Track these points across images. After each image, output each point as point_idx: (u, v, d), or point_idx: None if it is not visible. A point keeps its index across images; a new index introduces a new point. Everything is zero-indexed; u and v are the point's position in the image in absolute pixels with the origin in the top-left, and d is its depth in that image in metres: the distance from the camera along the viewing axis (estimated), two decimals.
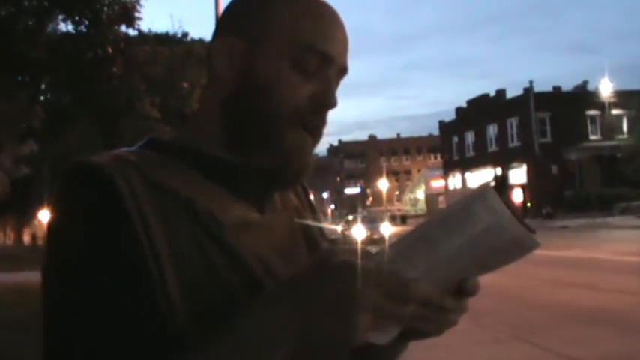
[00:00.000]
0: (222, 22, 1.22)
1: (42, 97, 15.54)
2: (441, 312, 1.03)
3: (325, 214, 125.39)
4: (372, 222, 47.63)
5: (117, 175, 1.02)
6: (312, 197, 1.45)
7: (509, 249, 1.00)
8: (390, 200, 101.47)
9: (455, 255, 0.98)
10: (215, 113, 1.17)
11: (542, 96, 55.64)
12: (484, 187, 1.00)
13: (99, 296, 0.97)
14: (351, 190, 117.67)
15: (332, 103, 1.15)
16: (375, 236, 40.45)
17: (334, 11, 1.19)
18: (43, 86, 15.10)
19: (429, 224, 1.02)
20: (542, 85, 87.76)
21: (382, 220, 47.24)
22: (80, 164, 1.05)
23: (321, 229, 1.38)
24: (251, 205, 1.17)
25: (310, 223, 1.34)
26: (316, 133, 1.18)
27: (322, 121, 1.17)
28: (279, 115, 1.12)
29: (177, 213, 1.05)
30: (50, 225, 1.06)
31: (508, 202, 0.98)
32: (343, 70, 1.20)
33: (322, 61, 1.14)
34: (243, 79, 1.14)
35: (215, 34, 1.21)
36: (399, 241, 1.02)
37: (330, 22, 1.17)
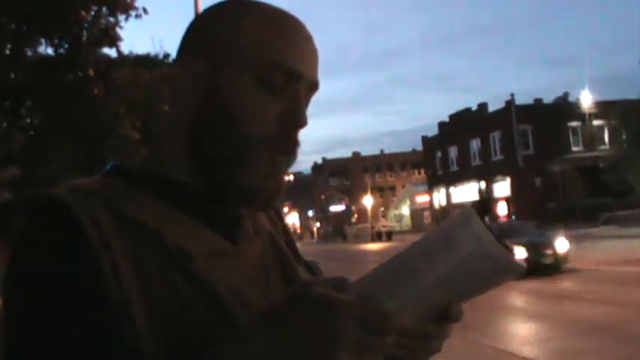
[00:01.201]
0: (184, 44, 1.17)
1: (22, 122, 15.46)
2: (424, 340, 1.02)
3: (312, 232, 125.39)
4: None
5: (78, 207, 0.99)
6: (286, 221, 1.39)
7: (494, 274, 0.98)
8: (375, 216, 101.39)
9: (438, 283, 0.95)
10: (180, 138, 1.13)
11: (523, 109, 55.88)
12: (466, 212, 0.97)
13: (61, 333, 0.93)
14: (336, 208, 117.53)
15: (301, 123, 1.11)
16: None
17: (301, 24, 1.14)
18: (22, 110, 15.02)
19: (410, 252, 0.98)
20: (524, 98, 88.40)
21: None
22: (39, 197, 1.03)
23: (296, 253, 1.32)
24: (222, 233, 1.12)
25: (284, 248, 1.28)
26: (288, 154, 1.13)
27: (293, 142, 1.12)
28: (248, 140, 1.08)
29: (145, 245, 1.01)
30: (9, 260, 1.00)
31: (490, 226, 0.95)
32: (313, 86, 1.15)
33: (290, 78, 1.10)
34: (209, 102, 1.10)
35: (178, 56, 1.17)
36: (378, 270, 0.98)
37: (297, 36, 1.12)
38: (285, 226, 1.36)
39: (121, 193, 1.07)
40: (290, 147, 1.12)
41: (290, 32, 1.12)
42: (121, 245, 0.99)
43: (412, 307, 0.97)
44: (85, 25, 13.73)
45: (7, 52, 13.85)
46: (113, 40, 13.77)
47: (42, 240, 0.98)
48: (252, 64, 1.08)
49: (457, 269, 0.95)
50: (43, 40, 14.07)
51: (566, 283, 16.80)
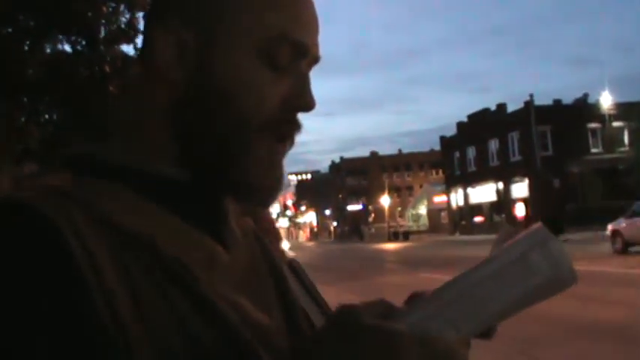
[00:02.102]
0: (161, 8, 0.97)
1: (40, 118, 15.52)
2: None
3: (329, 231, 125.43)
4: None
5: (56, 215, 0.79)
6: (269, 215, 1.25)
7: (552, 294, 0.90)
8: (392, 216, 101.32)
9: (504, 309, 0.87)
10: (160, 122, 0.94)
11: (542, 109, 55.57)
12: (542, 234, 0.88)
13: None
14: (353, 207, 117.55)
15: (309, 104, 0.96)
16: None
17: None
18: (40, 106, 15.08)
19: (480, 275, 0.87)
20: (543, 99, 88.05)
21: None
22: (6, 201, 0.81)
23: (282, 252, 1.18)
24: (213, 235, 0.95)
25: (269, 245, 1.12)
26: (289, 141, 0.98)
27: (296, 126, 0.97)
28: (245, 124, 0.92)
29: (140, 261, 0.83)
30: None
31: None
32: (316, 61, 1.00)
33: (296, 53, 0.94)
34: (198, 80, 0.92)
35: (151, 25, 0.97)
36: (442, 293, 0.87)
37: (302, 4, 0.96)
38: (270, 222, 1.22)
39: (101, 192, 0.88)
40: (292, 133, 0.97)
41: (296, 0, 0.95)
42: (112, 264, 0.80)
43: (472, 333, 0.88)
44: (103, 21, 13.76)
45: (26, 48, 13.90)
46: (130, 37, 13.79)
47: (9, 260, 0.76)
48: (253, 36, 0.92)
49: (528, 295, 0.87)
50: (60, 37, 14.13)
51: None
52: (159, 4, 0.99)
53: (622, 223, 26.59)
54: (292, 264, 1.19)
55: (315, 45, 0.98)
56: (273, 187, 0.97)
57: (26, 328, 0.73)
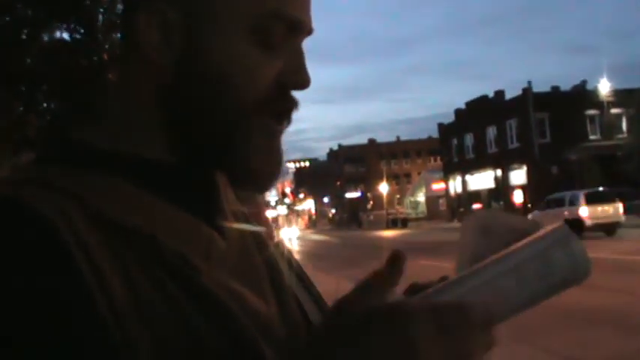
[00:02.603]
0: None
1: (38, 107, 15.52)
2: None
3: (328, 218, 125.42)
4: None
5: (48, 209, 0.75)
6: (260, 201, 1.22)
7: (567, 288, 0.91)
8: (390, 203, 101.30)
9: (521, 304, 0.89)
10: (148, 106, 0.90)
11: (540, 96, 55.55)
12: (565, 232, 0.89)
13: None
14: (352, 194, 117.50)
15: (305, 81, 0.92)
16: None
17: None
18: (38, 95, 15.07)
19: (499, 269, 0.87)
20: (541, 86, 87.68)
21: None
22: (2, 199, 0.76)
23: (269, 231, 1.14)
24: (208, 222, 0.93)
25: (258, 228, 1.09)
26: (287, 120, 0.94)
27: (292, 105, 0.93)
28: (240, 106, 0.88)
29: (140, 258, 0.81)
30: None
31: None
32: (309, 33, 0.95)
33: (291, 30, 0.90)
34: (186, 62, 0.88)
35: (132, 6, 0.91)
36: (459, 285, 0.87)
37: None
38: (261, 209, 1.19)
39: (95, 186, 0.83)
40: (289, 111, 0.93)
41: None
42: (112, 262, 0.77)
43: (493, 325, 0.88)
44: (101, 9, 13.72)
45: (24, 37, 13.87)
46: None
47: (6, 261, 0.72)
48: (245, 13, 0.87)
49: (546, 291, 0.88)
50: (59, 25, 14.09)
51: None
52: None
53: (537, 215, 30.91)
54: (279, 245, 1.17)
55: (310, 19, 0.94)
56: (272, 172, 0.94)
57: (25, 327, 0.69)
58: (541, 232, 0.91)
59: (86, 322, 0.72)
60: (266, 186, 0.96)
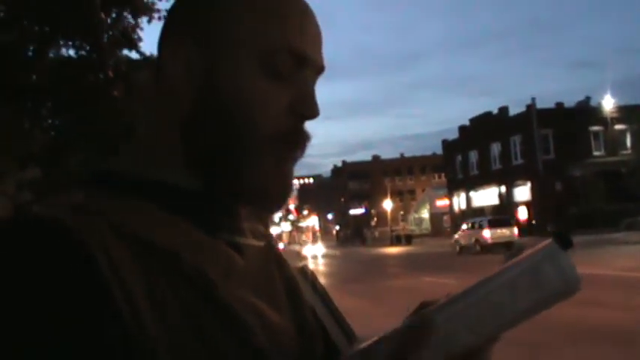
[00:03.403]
0: (172, 26, 1.01)
1: (44, 123, 15.56)
2: None
3: (332, 235, 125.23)
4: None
5: (84, 229, 0.81)
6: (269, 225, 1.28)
7: (559, 301, 0.95)
8: (394, 220, 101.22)
9: (515, 318, 0.93)
10: (172, 136, 0.98)
11: (544, 113, 55.54)
12: (552, 247, 0.93)
13: None
14: (356, 211, 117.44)
15: (313, 112, 0.99)
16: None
17: (305, 3, 1.02)
18: (44, 111, 15.11)
19: (493, 284, 0.93)
20: (545, 102, 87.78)
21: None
22: (35, 219, 0.82)
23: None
24: (228, 242, 0.99)
25: (279, 250, 1.17)
26: (298, 150, 1.00)
27: (303, 135, 1.00)
28: (254, 133, 0.95)
29: (162, 273, 0.86)
30: None
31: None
32: (320, 70, 1.03)
33: (297, 64, 0.97)
34: (205, 94, 0.96)
35: (163, 42, 1.01)
36: (457, 302, 0.93)
37: (302, 16, 0.99)
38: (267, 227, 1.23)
39: (125, 208, 0.91)
40: (300, 141, 1.00)
41: (295, 11, 0.99)
42: (137, 277, 0.83)
43: (491, 338, 0.95)
44: (106, 27, 13.79)
45: (30, 53, 13.95)
46: (133, 42, 13.82)
47: (40, 276, 0.77)
48: (254, 48, 0.95)
49: (536, 305, 0.93)
50: (64, 42, 14.16)
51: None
52: (169, 24, 1.02)
53: (459, 234, 44.15)
54: (304, 270, 1.24)
55: (318, 55, 1.02)
56: (280, 196, 1.00)
57: (54, 339, 0.74)
58: (532, 249, 0.96)
59: (113, 333, 0.77)
60: (273, 208, 1.03)
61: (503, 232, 40.50)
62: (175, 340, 0.82)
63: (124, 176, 0.97)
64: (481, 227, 41.35)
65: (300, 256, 53.05)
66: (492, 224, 41.09)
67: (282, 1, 0.98)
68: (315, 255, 59.36)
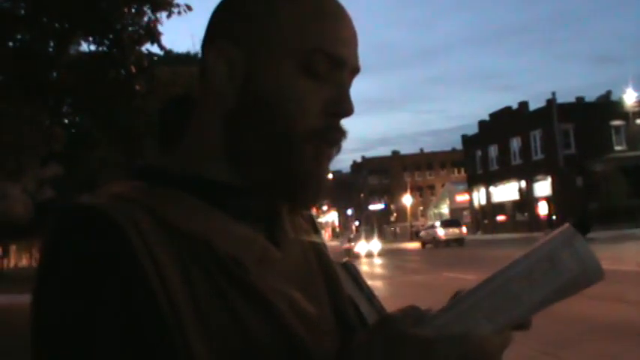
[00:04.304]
0: (214, 28, 1.07)
1: (64, 120, 15.64)
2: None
3: (351, 230, 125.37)
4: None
5: (124, 219, 0.90)
6: (316, 219, 1.32)
7: (579, 289, 0.96)
8: (414, 215, 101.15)
9: (534, 306, 0.93)
10: (215, 133, 1.04)
11: (565, 107, 55.32)
12: (569, 232, 0.94)
13: None
14: (375, 206, 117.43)
15: (348, 110, 1.03)
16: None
17: (341, 6, 1.06)
18: (65, 108, 15.20)
19: (511, 274, 0.94)
20: (566, 97, 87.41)
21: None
22: (79, 208, 0.93)
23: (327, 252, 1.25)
24: (266, 235, 1.05)
25: (322, 247, 1.22)
26: (334, 146, 1.05)
27: (339, 132, 1.04)
28: (291, 132, 1.00)
29: (194, 258, 0.94)
30: (45, 281, 0.89)
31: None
32: (356, 71, 1.08)
33: (333, 65, 1.02)
34: (247, 92, 1.01)
35: (206, 43, 1.07)
36: (476, 292, 0.94)
37: (338, 19, 1.04)
38: (315, 224, 1.29)
39: (163, 198, 0.98)
40: (336, 138, 1.04)
41: (331, 15, 1.04)
42: (171, 261, 0.91)
43: (505, 329, 0.93)
44: (126, 22, 13.81)
45: (50, 50, 14.00)
46: (154, 37, 13.82)
47: (82, 258, 0.88)
48: (293, 50, 1.00)
49: (556, 293, 0.92)
50: (85, 38, 14.20)
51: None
52: (211, 28, 1.08)
53: (423, 233, 60.74)
54: (346, 266, 1.29)
55: (354, 57, 1.06)
56: (317, 191, 1.05)
57: (95, 328, 0.85)
58: (548, 236, 0.95)
59: (147, 321, 0.87)
60: (312, 203, 1.08)
61: (453, 231, 53.89)
62: (208, 322, 0.90)
63: (163, 170, 1.04)
64: (435, 227, 56.87)
65: (350, 254, 45.39)
66: (444, 225, 55.73)
67: (320, 5, 1.03)
68: (371, 252, 49.64)
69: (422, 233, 60.54)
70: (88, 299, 0.86)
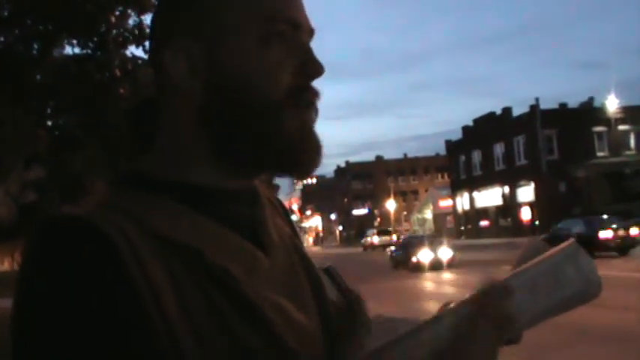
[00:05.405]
0: (163, 30, 1.05)
1: (48, 122, 15.55)
2: None
3: (335, 235, 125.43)
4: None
5: (112, 229, 0.88)
6: (289, 211, 1.31)
7: (580, 303, 0.97)
8: (397, 220, 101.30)
9: (534, 318, 0.94)
10: (191, 134, 1.02)
11: (548, 113, 55.51)
12: (573, 247, 0.94)
13: None
14: (359, 211, 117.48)
15: (319, 69, 1.02)
16: None
17: None
18: (48, 110, 15.10)
19: (515, 284, 0.93)
20: (549, 103, 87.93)
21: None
22: (66, 218, 0.90)
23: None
24: (252, 240, 1.03)
25: (304, 249, 1.21)
26: (312, 108, 1.04)
27: (313, 92, 1.03)
28: (268, 103, 0.98)
29: (186, 268, 0.92)
30: (27, 292, 0.87)
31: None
32: (311, 33, 1.06)
33: (291, 29, 1.01)
34: (213, 83, 1.00)
35: (156, 47, 1.05)
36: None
37: None
38: (285, 210, 1.28)
39: (150, 205, 0.97)
40: (311, 99, 1.03)
41: None
42: (161, 271, 0.89)
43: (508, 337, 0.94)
44: (111, 25, 13.75)
45: (34, 52, 13.92)
46: (139, 40, 13.77)
47: (71, 268, 0.85)
48: (250, 24, 0.99)
49: (557, 306, 0.93)
50: (69, 41, 14.14)
51: None
52: (158, 31, 1.06)
53: (364, 239, 77.46)
54: (330, 270, 1.26)
55: (306, 18, 1.05)
56: (310, 157, 1.03)
57: (83, 339, 0.83)
58: (553, 250, 0.95)
59: (138, 330, 0.85)
60: (310, 170, 1.05)
61: (385, 238, 70.01)
62: (200, 332, 0.89)
63: (148, 176, 1.01)
64: (370, 235, 76.50)
65: (408, 265, 32.01)
66: (379, 234, 76.36)
67: None
68: (440, 262, 30.82)
69: (364, 240, 79.71)
70: (77, 310, 0.83)
